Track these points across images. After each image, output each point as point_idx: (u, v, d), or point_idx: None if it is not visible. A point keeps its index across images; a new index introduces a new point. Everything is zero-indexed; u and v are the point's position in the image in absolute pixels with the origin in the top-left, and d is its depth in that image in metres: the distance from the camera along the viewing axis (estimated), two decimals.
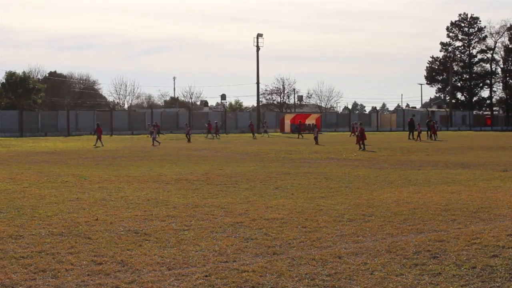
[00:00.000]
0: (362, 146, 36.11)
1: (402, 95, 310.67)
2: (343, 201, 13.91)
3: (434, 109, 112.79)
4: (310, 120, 79.30)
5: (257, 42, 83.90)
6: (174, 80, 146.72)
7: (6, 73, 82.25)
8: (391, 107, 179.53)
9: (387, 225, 10.88)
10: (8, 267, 8.04)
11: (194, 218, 11.67)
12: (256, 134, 64.64)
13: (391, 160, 27.49)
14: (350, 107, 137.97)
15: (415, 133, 52.17)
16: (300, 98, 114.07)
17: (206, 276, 7.66)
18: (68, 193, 15.50)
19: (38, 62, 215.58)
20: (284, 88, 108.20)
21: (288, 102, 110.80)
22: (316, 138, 44.94)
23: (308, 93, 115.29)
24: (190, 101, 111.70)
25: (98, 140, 43.03)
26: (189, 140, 50.00)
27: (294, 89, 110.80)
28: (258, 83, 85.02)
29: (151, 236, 9.93)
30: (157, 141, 44.06)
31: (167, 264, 8.21)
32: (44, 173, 21.08)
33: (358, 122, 63.75)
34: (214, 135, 59.74)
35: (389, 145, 41.56)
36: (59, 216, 11.83)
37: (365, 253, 8.79)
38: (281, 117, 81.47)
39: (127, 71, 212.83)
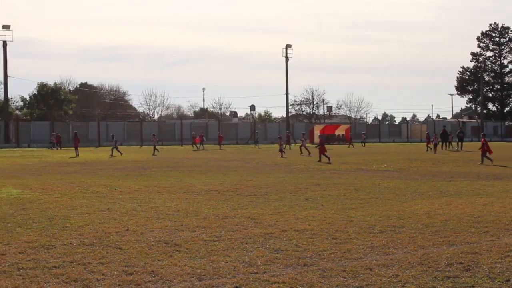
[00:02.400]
0: (319, 158, 35.24)
1: (432, 105, 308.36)
2: (373, 213, 13.82)
3: (465, 119, 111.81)
4: (340, 131, 79.18)
5: (286, 53, 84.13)
6: (203, 91, 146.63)
7: (38, 84, 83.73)
8: (421, 117, 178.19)
9: (418, 237, 10.78)
10: (40, 277, 8.10)
11: (224, 228, 11.67)
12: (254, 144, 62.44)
13: (421, 171, 27.26)
14: (380, 117, 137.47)
15: (440, 144, 51.84)
16: (330, 109, 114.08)
17: (236, 287, 7.65)
18: (99, 203, 15.61)
19: (69, 73, 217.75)
20: (313, 98, 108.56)
21: (318, 113, 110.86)
22: (281, 150, 42.04)
23: (338, 104, 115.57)
24: (220, 112, 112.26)
25: (75, 150, 44.06)
26: (154, 154, 46.39)
27: (323, 100, 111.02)
28: (287, 94, 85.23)
29: (182, 247, 9.95)
30: (118, 151, 44.39)
31: (198, 274, 8.21)
32: (75, 183, 21.27)
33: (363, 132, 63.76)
34: (200, 145, 58.31)
35: (420, 156, 41.23)
36: (90, 226, 11.92)
37: (397, 265, 8.71)
38: (311, 128, 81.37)
39: (157, 82, 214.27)
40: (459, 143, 53.96)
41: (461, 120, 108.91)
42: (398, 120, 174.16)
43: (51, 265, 8.69)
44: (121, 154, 43.93)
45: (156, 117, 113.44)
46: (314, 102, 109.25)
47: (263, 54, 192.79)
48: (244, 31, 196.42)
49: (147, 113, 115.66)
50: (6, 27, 69.80)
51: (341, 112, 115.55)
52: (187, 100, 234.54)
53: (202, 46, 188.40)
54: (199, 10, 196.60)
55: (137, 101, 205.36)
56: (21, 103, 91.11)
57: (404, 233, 11.20)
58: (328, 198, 16.66)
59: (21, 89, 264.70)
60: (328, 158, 34.53)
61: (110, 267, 8.56)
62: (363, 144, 66.67)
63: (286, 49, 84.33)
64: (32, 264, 8.80)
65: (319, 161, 34.59)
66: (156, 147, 49.52)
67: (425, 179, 22.99)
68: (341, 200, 16.32)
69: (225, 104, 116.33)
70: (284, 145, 43.58)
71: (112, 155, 43.29)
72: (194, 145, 57.93)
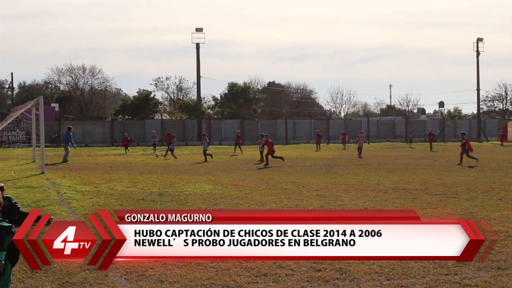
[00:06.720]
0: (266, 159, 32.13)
1: None
2: None
3: None
4: None
5: (477, 47, 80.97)
6: (390, 88, 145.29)
7: (228, 84, 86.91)
8: None
9: None
10: (232, 270, 8.41)
11: None
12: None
13: None
14: None
15: None
16: None
17: None
18: (287, 200, 15.90)
19: (258, 72, 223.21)
20: (506, 94, 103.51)
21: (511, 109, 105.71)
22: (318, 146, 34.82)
23: None
24: (407, 109, 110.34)
25: (237, 148, 44.11)
26: (205, 159, 35.17)
27: None
28: (478, 89, 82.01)
29: None
30: (173, 154, 37.49)
31: (386, 274, 8.13)
32: (264, 180, 21.79)
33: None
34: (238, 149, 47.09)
35: None
36: None
37: None
38: (504, 125, 77.68)
39: (343, 80, 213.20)
40: None
41: None
42: None
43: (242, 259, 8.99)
44: (176, 158, 36.64)
45: (342, 114, 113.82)
46: (508, 98, 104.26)
47: (452, 49, 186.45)
48: (432, 25, 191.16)
49: (334, 110, 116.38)
50: (199, 29, 72.97)
51: None
52: (373, 97, 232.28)
53: (388, 43, 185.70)
54: (384, 6, 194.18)
55: (324, 99, 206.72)
56: (213, 102, 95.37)
57: None
58: None
59: (212, 89, 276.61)
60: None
61: (299, 263, 8.68)
62: None
63: (477, 43, 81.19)
64: None
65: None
66: (170, 149, 38.12)
67: None
68: None
69: (413, 101, 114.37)
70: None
71: (165, 156, 38.11)
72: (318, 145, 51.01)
